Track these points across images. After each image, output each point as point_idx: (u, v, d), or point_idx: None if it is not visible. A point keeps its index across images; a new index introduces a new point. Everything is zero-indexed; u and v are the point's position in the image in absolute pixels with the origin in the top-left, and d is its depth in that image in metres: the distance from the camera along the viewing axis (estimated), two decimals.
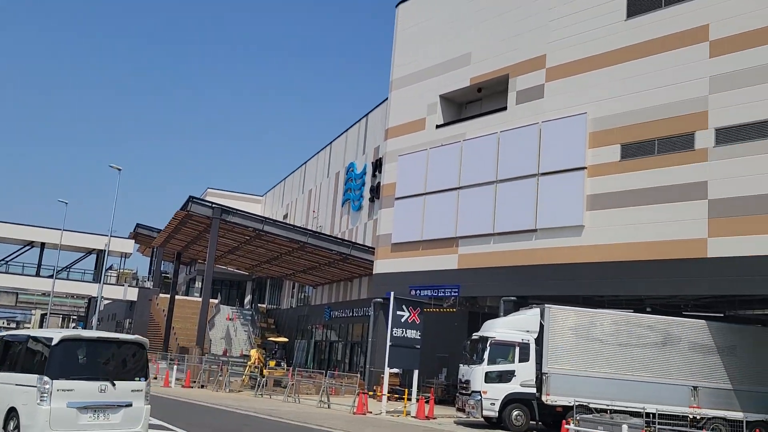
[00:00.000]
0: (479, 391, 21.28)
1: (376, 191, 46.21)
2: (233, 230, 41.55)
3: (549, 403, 21.37)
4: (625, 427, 14.78)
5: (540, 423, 21.71)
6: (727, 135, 22.45)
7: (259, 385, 29.19)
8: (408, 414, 23.61)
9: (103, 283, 44.24)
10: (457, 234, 30.21)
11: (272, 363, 33.14)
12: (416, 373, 25.36)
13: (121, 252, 68.73)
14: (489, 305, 32.19)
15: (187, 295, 77.56)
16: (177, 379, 30.56)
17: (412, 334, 24.97)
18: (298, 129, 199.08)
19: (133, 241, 67.70)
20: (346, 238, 44.72)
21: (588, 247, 25.42)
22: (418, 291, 31.42)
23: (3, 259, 61.93)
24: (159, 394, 25.58)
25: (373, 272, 34.60)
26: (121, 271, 76.09)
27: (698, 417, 21.51)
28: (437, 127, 32.58)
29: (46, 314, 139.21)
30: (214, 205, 39.05)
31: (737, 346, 22.16)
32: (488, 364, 21.46)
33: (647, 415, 20.63)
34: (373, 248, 42.76)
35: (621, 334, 21.86)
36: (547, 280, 26.58)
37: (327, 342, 54.21)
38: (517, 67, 29.27)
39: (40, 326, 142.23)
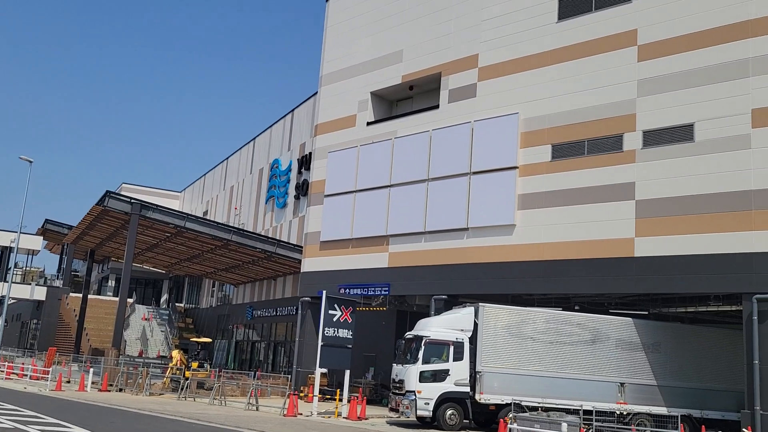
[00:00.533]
0: (413, 391, 21.04)
1: (302, 188, 45.56)
2: (153, 227, 39.96)
3: (482, 401, 21.37)
4: (564, 425, 14.81)
5: (473, 422, 21.65)
6: (654, 137, 23.05)
7: (182, 388, 28.06)
8: (339, 415, 23.15)
9: (11, 282, 41.65)
10: (387, 232, 29.94)
11: (195, 364, 31.94)
12: (347, 373, 24.93)
13: (27, 249, 65.26)
14: (418, 304, 32.09)
15: (100, 294, 74.50)
16: (93, 383, 29.00)
17: (344, 333, 24.53)
18: (217, 125, 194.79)
19: (42, 237, 64.25)
20: (271, 236, 43.77)
21: (519, 246, 25.63)
22: (347, 290, 31.00)
23: None
24: (75, 399, 24.20)
25: (301, 270, 33.94)
26: (28, 269, 72.16)
27: (625, 413, 21.98)
28: (368, 124, 32.24)
29: None
30: (132, 201, 37.39)
31: (661, 342, 22.81)
32: (422, 364, 21.27)
33: (577, 412, 20.88)
34: (300, 246, 42.00)
35: (552, 332, 22.11)
36: (478, 279, 26.66)
37: (249, 342, 53.05)
38: (450, 65, 29.26)
39: None
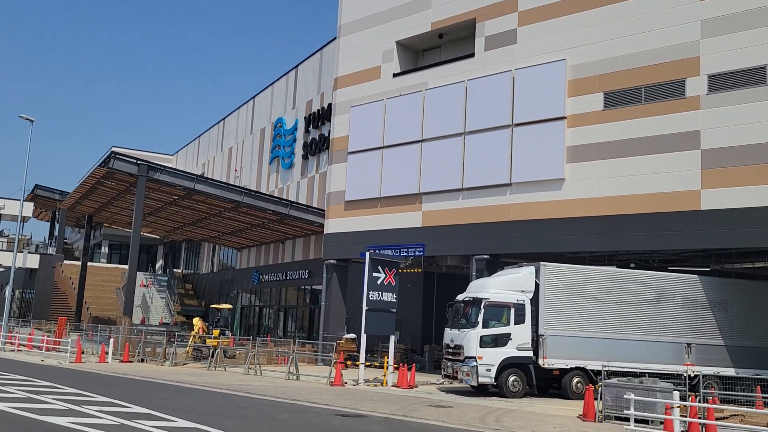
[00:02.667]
0: (474, 357, 19.67)
1: (310, 147, 43.81)
2: (160, 189, 37.94)
3: (546, 366, 20.10)
4: (676, 393, 13.52)
5: (536, 388, 20.35)
6: (720, 82, 21.53)
7: (210, 356, 26.54)
8: (387, 383, 21.79)
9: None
10: (420, 190, 28.34)
11: (216, 332, 30.39)
12: (392, 339, 23.55)
13: (16, 215, 62.79)
14: (448, 265, 30.72)
15: (93, 261, 72.34)
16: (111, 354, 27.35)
17: (388, 296, 23.06)
18: (207, 84, 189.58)
19: (32, 203, 61.84)
20: (278, 197, 41.90)
21: (568, 201, 24.20)
22: (377, 251, 29.44)
23: None
24: (104, 371, 22.63)
25: (325, 232, 32.30)
26: (19, 237, 69.65)
27: (692, 374, 20.81)
28: (394, 75, 30.37)
29: None
30: (139, 162, 35.32)
31: (728, 300, 21.59)
32: (482, 328, 19.86)
33: (644, 375, 19.66)
34: (312, 207, 40.44)
35: (616, 291, 20.79)
36: (522, 237, 25.25)
37: (255, 308, 51.58)
38: (486, 10, 27.39)
39: None
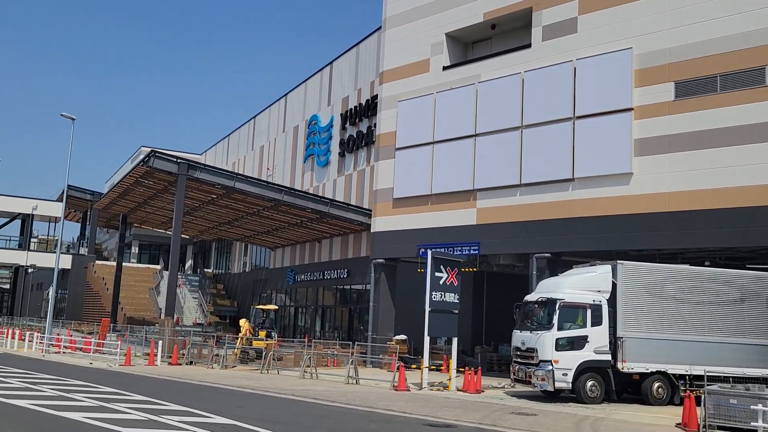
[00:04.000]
0: (550, 360, 18.68)
1: (347, 144, 43.02)
2: (199, 188, 37.25)
3: (625, 370, 19.05)
4: None
5: (615, 393, 19.31)
6: None
7: (261, 359, 25.74)
8: (452, 387, 20.87)
9: (59, 253, 39.22)
10: (474, 186, 27.36)
11: (263, 333, 29.60)
12: (455, 341, 22.60)
13: (49, 216, 62.64)
14: (500, 263, 29.73)
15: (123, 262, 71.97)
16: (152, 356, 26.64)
17: (450, 297, 22.10)
18: (235, 86, 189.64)
19: (63, 204, 61.40)
20: (320, 195, 41.05)
21: (637, 196, 23.11)
22: (428, 250, 28.51)
23: None
24: (156, 375, 21.88)
25: (372, 230, 31.43)
26: (45, 237, 69.57)
27: None
28: (444, 68, 29.41)
29: None
30: (179, 161, 34.63)
31: None
32: (558, 330, 18.86)
33: (727, 379, 18.60)
34: (352, 205, 39.59)
35: (697, 291, 19.69)
36: (586, 234, 24.21)
37: (291, 308, 50.84)
38: None
39: None
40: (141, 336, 42.67)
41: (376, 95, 40.97)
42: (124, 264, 65.01)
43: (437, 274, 21.77)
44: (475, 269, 28.45)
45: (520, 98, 26.36)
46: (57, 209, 61.13)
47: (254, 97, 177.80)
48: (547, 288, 20.24)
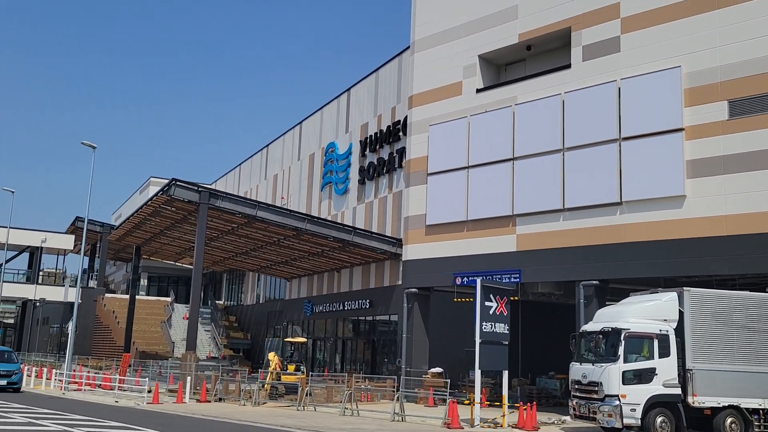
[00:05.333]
0: (617, 395, 17.49)
1: (367, 171, 42.17)
2: (219, 217, 36.24)
3: (696, 405, 17.85)
4: None
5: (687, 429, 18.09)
6: None
7: (294, 395, 24.49)
8: (506, 424, 19.64)
9: (79, 287, 38.09)
10: (514, 212, 26.36)
11: (291, 367, 28.35)
12: (506, 374, 21.41)
13: (57, 249, 61.48)
14: (537, 292, 28.61)
15: (129, 294, 70.63)
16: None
17: (500, 328, 21.00)
18: (239, 118, 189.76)
19: (73, 236, 60.46)
20: (343, 223, 39.99)
21: (691, 219, 22.11)
22: (464, 278, 27.50)
23: None
24: (190, 413, 20.62)
25: (403, 258, 30.32)
26: (57, 271, 68.37)
27: None
28: (478, 91, 28.61)
29: None
30: (200, 189, 33.68)
31: None
32: (623, 362, 17.69)
33: None
34: (376, 233, 38.56)
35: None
36: (636, 260, 23.15)
37: (309, 340, 49.46)
38: (582, 18, 25.62)
39: None
40: (155, 370, 41.40)
41: (398, 121, 40.32)
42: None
43: (487, 303, 20.67)
44: (516, 298, 27.28)
45: (560, 120, 25.50)
46: (66, 242, 60.15)
47: (261, 126, 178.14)
48: (607, 317, 19.09)
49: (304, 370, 29.44)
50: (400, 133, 39.89)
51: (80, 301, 56.98)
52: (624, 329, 17.89)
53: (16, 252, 59.67)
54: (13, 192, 45.49)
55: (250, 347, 57.18)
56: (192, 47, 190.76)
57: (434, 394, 25.75)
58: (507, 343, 21.26)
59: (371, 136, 42.72)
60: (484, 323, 20.40)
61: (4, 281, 55.67)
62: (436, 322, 30.32)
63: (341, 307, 44.16)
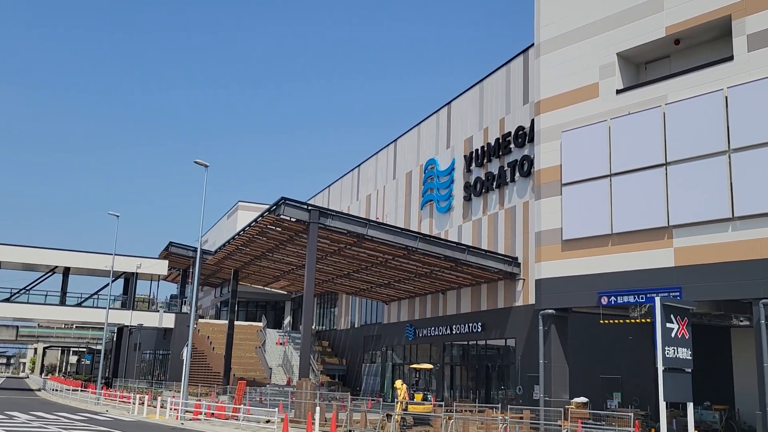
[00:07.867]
0: None
1: (474, 188, 40.14)
2: (327, 237, 34.61)
3: None
4: None
5: None
6: None
7: (445, 428, 22.21)
8: None
9: (182, 313, 37.02)
10: (670, 222, 23.60)
11: (419, 396, 26.18)
12: (690, 407, 18.66)
13: (152, 275, 61.32)
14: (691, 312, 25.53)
15: (219, 319, 70.09)
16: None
17: (683, 353, 18.30)
18: (319, 139, 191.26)
19: (167, 261, 60.23)
20: (457, 241, 37.74)
21: None
22: (612, 298, 24.81)
23: (25, 288, 54.10)
24: None
25: (537, 277, 27.83)
26: (149, 296, 68.38)
27: None
28: (618, 92, 26.08)
29: (48, 347, 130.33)
30: (311, 208, 32.12)
31: None
32: None
33: None
34: (491, 252, 36.29)
35: None
36: None
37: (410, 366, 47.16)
38: (746, 4, 22.89)
39: (42, 360, 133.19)
40: (254, 397, 39.93)
41: (508, 132, 38.10)
42: (222, 322, 63.01)
43: (668, 324, 18.04)
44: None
45: (723, 118, 22.72)
46: (160, 267, 59.94)
47: (351, 149, 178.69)
48: None
49: (431, 399, 27.20)
50: (511, 145, 37.69)
51: (172, 327, 56.56)
52: None
53: (113, 278, 59.68)
54: (117, 216, 45.01)
55: (345, 373, 55.36)
56: (276, 79, 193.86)
57: (583, 427, 23.08)
58: (690, 370, 18.51)
59: (477, 150, 40.64)
60: (666, 348, 17.76)
61: (100, 307, 55.68)
62: (577, 347, 27.79)
63: (448, 331, 41.87)
